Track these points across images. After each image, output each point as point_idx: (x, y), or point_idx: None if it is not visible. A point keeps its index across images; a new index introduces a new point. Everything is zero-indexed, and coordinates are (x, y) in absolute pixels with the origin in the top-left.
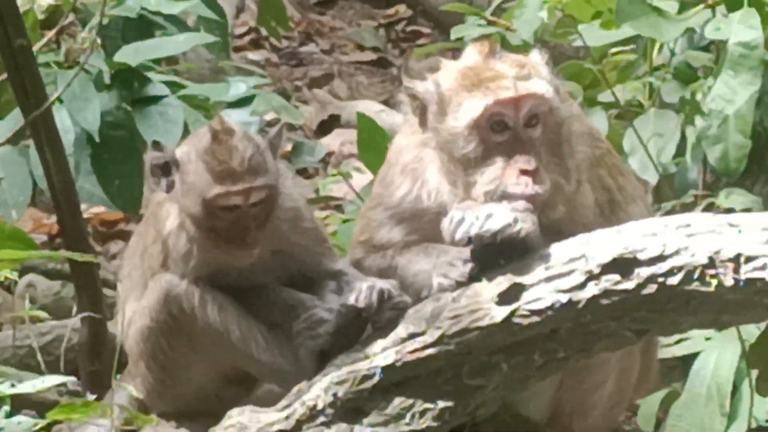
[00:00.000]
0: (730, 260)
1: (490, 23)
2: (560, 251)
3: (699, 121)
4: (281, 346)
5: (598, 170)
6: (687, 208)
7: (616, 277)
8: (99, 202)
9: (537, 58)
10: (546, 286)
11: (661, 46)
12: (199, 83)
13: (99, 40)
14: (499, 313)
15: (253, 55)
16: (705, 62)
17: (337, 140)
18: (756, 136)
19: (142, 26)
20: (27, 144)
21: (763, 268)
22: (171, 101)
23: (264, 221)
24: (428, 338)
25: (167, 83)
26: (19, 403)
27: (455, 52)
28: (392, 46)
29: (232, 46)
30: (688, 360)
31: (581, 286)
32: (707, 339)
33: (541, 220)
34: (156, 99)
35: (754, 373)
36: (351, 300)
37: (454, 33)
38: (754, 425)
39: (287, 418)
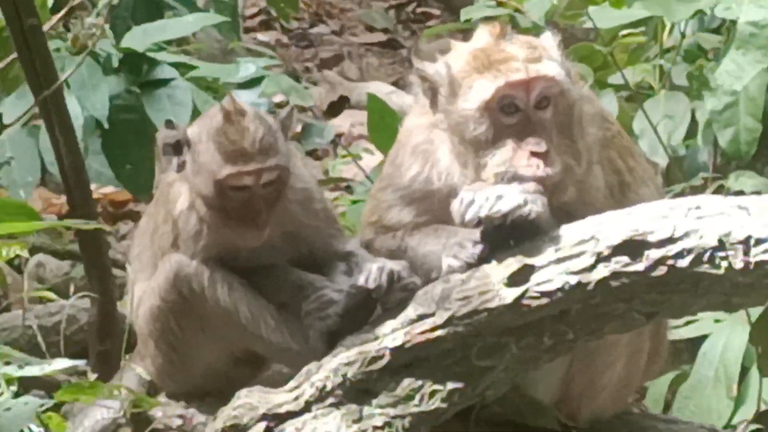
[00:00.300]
0: (740, 243)
1: (499, 4)
2: (570, 233)
3: (709, 103)
4: (291, 327)
5: (608, 152)
6: (697, 190)
7: (626, 259)
8: (108, 182)
9: (548, 40)
10: (556, 268)
11: (672, 28)
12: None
13: (108, 22)
14: (509, 295)
15: (263, 36)
16: (715, 44)
17: (347, 121)
18: (766, 119)
19: (152, 6)
20: (36, 125)
21: None
22: (179, 83)
23: (274, 202)
24: (437, 319)
25: (176, 64)
26: (27, 384)
27: (465, 34)
28: (402, 28)
29: (243, 26)
30: (697, 342)
31: (591, 267)
32: (716, 321)
33: (552, 203)
34: (164, 82)
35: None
36: (361, 281)
37: (464, 14)
38: (763, 408)
39: (296, 398)
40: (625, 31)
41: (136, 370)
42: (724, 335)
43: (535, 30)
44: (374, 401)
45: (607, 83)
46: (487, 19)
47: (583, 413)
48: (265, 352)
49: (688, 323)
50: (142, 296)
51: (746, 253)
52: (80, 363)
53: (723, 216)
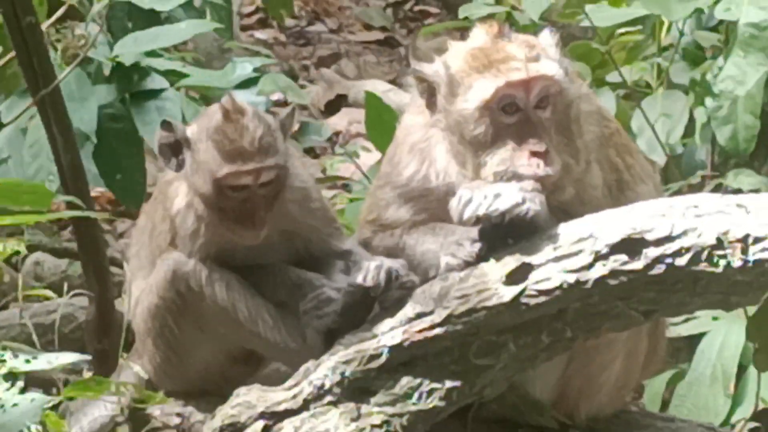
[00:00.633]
0: (738, 241)
1: (497, 2)
2: (568, 231)
3: (709, 102)
4: (289, 325)
5: (606, 150)
6: (695, 188)
7: (624, 257)
8: (104, 184)
9: (547, 38)
10: (554, 266)
11: (670, 27)
12: (207, 62)
13: (105, 26)
14: (507, 293)
15: (260, 34)
16: (713, 42)
17: (345, 119)
18: (765, 117)
19: (148, 10)
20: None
21: None
22: (169, 95)
23: (273, 201)
24: (436, 318)
25: (168, 72)
26: (25, 381)
27: (463, 32)
28: (400, 26)
29: (240, 24)
30: (694, 340)
31: (589, 266)
32: (714, 319)
33: (550, 202)
34: (155, 93)
35: None
36: (359, 279)
37: (462, 12)
38: (761, 407)
39: (294, 397)
40: (622, 30)
41: (133, 369)
42: (722, 333)
43: (532, 28)
44: (372, 399)
45: (604, 81)
46: (485, 17)
47: (581, 412)
48: (263, 351)
49: (686, 321)
50: (139, 294)
51: (744, 251)
52: (85, 357)
53: (721, 214)
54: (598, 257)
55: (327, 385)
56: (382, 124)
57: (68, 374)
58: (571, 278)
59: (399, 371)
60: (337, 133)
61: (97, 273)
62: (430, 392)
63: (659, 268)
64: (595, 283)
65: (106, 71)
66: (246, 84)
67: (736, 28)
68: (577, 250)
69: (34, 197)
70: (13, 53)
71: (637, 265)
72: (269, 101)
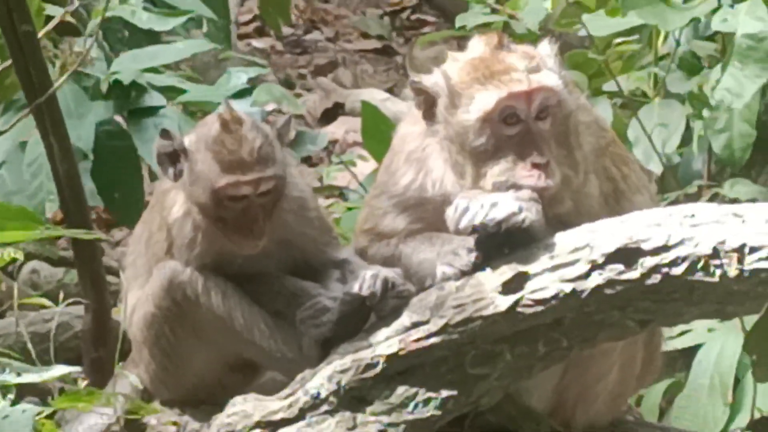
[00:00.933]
0: (734, 251)
1: (494, 11)
2: (565, 241)
3: (705, 112)
4: (285, 334)
5: (603, 160)
6: (691, 198)
7: (620, 267)
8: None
9: (546, 49)
10: (550, 276)
11: (666, 36)
12: (204, 71)
13: (103, 42)
14: (503, 303)
15: (257, 43)
16: (710, 52)
17: (342, 128)
18: (761, 126)
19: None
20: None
21: (767, 258)
22: (167, 112)
23: (271, 211)
24: (432, 327)
25: (166, 88)
26: (21, 390)
27: (460, 41)
28: (397, 35)
29: (237, 33)
30: (691, 350)
31: (585, 275)
32: (710, 330)
33: (548, 214)
34: (153, 110)
35: None
36: (355, 288)
37: (459, 21)
38: (757, 416)
39: (290, 406)
40: (619, 39)
41: (129, 378)
42: (718, 344)
43: (530, 37)
44: (368, 409)
45: (601, 91)
46: (483, 26)
47: (577, 421)
48: (259, 360)
49: (681, 334)
50: (136, 303)
51: (740, 261)
52: (76, 369)
53: (717, 224)
54: (595, 267)
55: (323, 395)
56: (378, 133)
57: (64, 383)
58: (568, 288)
59: (395, 380)
60: (333, 142)
61: (94, 282)
62: (427, 401)
63: (655, 278)
64: (591, 293)
65: (104, 88)
66: (241, 94)
67: (733, 38)
68: (573, 260)
69: (22, 224)
70: (10, 62)
71: (634, 274)
72: (264, 111)
